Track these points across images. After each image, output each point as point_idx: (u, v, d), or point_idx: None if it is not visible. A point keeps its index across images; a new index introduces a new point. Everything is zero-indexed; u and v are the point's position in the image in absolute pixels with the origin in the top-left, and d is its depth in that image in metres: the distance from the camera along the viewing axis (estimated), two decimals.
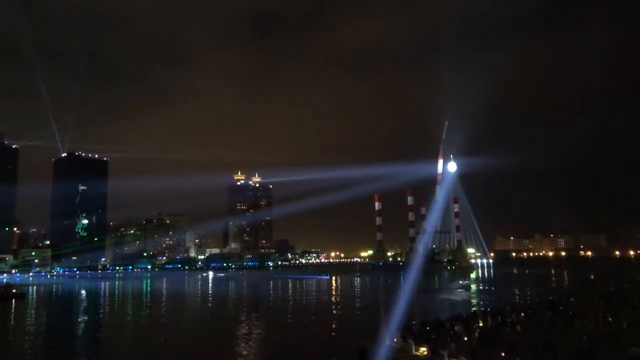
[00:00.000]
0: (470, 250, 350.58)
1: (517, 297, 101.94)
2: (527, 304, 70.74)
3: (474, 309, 76.43)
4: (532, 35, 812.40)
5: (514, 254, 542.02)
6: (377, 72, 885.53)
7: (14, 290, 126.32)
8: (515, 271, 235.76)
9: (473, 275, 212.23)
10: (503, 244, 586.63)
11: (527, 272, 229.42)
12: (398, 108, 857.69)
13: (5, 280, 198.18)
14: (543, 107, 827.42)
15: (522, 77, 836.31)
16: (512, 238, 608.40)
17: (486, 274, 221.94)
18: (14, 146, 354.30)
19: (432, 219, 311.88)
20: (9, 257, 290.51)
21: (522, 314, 54.42)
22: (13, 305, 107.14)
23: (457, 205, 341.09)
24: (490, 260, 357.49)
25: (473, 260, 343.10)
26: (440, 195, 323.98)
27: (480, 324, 48.02)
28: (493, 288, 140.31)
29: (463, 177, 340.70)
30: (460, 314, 53.95)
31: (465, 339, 40.63)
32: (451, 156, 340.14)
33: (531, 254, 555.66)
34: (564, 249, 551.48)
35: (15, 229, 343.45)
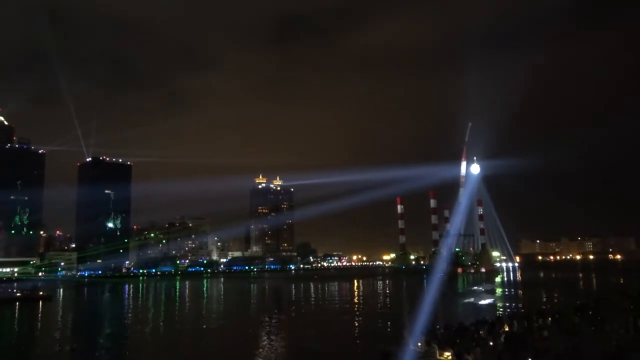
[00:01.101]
0: (495, 254, 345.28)
1: (544, 302, 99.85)
2: (555, 309, 69.08)
3: (500, 313, 75.03)
4: (565, 34, 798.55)
5: (540, 258, 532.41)
6: (400, 73, 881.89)
7: (40, 293, 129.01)
8: (541, 275, 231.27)
9: (498, 279, 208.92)
10: (529, 247, 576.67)
11: (554, 275, 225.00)
12: (421, 109, 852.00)
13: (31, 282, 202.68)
14: (573, 108, 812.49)
15: (550, 78, 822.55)
16: (538, 241, 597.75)
17: (512, 278, 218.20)
18: (40, 151, 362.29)
19: (456, 222, 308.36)
20: (35, 260, 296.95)
21: (550, 319, 53.04)
22: (40, 308, 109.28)
23: (481, 208, 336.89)
24: (516, 264, 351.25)
25: (498, 264, 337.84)
26: (464, 197, 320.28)
27: (506, 329, 46.99)
28: (519, 292, 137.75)
29: (487, 179, 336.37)
30: (485, 318, 52.91)
31: (491, 344, 39.77)
32: (475, 158, 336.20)
33: (558, 257, 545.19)
34: (592, 252, 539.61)
35: (41, 232, 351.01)
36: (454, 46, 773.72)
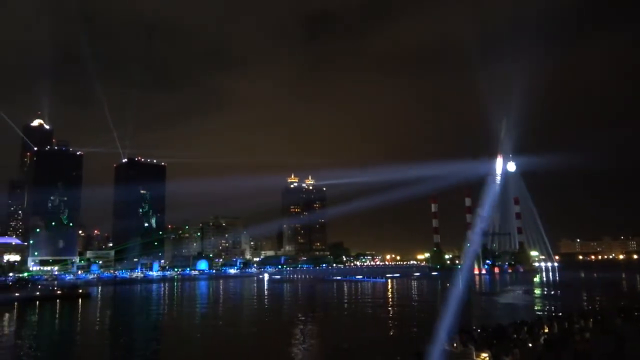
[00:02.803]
0: (534, 253, 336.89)
1: (586, 302, 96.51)
2: (597, 310, 66.48)
3: (539, 314, 72.77)
4: (599, 27, 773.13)
5: (580, 257, 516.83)
6: (432, 71, 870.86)
7: (79, 291, 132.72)
8: (582, 275, 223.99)
9: (537, 279, 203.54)
10: (568, 247, 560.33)
11: (595, 276, 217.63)
12: (455, 107, 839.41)
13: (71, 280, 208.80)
14: (614, 105, 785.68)
15: (589, 75, 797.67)
16: (578, 240, 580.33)
17: (551, 278, 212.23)
18: (78, 152, 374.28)
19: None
20: (75, 259, 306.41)
21: (592, 320, 50.74)
22: (80, 305, 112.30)
23: (518, 206, 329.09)
24: (555, 264, 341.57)
25: (537, 264, 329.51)
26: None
27: (546, 330, 45.20)
28: (559, 292, 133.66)
29: (525, 177, 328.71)
30: (524, 319, 51.17)
31: (530, 345, 38.25)
32: (510, 155, 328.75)
33: (599, 257, 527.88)
34: (636, 252, 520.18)
35: (80, 231, 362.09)
36: (487, 43, 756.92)
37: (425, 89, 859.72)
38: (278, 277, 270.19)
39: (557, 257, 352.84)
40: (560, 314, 68.01)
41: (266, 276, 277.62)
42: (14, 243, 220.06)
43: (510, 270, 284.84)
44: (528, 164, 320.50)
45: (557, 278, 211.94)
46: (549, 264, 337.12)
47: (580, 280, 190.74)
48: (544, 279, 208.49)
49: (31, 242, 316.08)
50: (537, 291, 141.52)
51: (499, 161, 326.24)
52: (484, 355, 35.02)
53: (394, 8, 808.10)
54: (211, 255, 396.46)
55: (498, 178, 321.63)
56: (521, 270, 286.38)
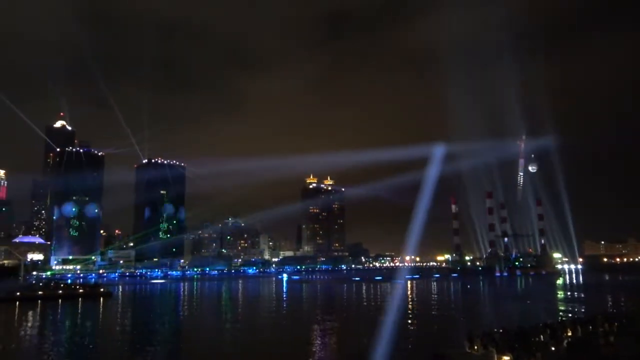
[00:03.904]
0: (556, 255, 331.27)
1: (610, 306, 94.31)
2: (622, 313, 64.79)
3: (562, 317, 71.26)
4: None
5: (605, 260, 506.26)
6: (452, 68, 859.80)
7: (101, 290, 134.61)
8: (606, 278, 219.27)
9: (560, 282, 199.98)
10: (592, 249, 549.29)
11: (620, 278, 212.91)
12: (478, 104, 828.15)
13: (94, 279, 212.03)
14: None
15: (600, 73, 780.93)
16: (602, 242, 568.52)
17: (574, 281, 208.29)
18: (100, 153, 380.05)
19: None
20: (96, 258, 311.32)
21: (616, 324, 49.50)
22: (101, 303, 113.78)
23: (540, 207, 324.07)
24: (579, 266, 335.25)
25: (559, 266, 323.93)
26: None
27: (569, 334, 44.20)
28: (582, 295, 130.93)
29: (547, 177, 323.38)
30: (546, 322, 50.10)
31: (553, 349, 37.40)
32: (532, 156, 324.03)
33: (625, 259, 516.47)
34: None
35: (101, 231, 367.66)
36: (505, 41, 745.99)
37: (447, 86, 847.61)
38: (297, 277, 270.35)
39: (580, 260, 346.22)
40: (584, 317, 66.56)
41: (285, 277, 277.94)
42: (37, 242, 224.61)
43: (532, 273, 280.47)
44: (551, 165, 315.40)
45: (581, 281, 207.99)
46: (572, 267, 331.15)
47: (604, 283, 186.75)
48: (567, 281, 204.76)
49: (54, 241, 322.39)
50: (560, 294, 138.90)
51: (521, 162, 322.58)
52: (506, 358, 34.34)
53: (414, 6, 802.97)
54: (230, 255, 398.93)
55: (520, 180, 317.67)
56: (543, 272, 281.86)
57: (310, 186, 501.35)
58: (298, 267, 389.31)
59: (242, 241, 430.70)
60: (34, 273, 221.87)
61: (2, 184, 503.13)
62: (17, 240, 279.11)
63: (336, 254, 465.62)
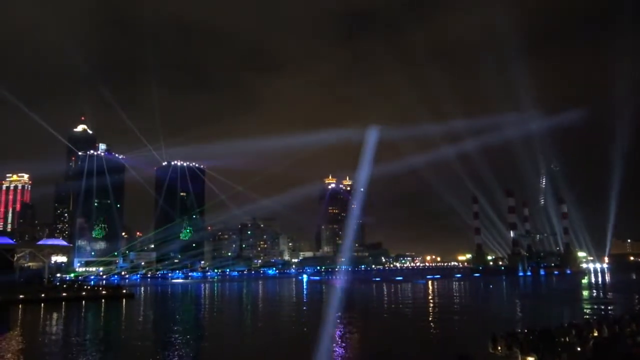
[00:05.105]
0: (581, 254, 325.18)
1: (638, 305, 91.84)
2: None
3: (588, 317, 69.55)
4: None
5: (631, 258, 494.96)
6: (471, 69, 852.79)
7: (124, 291, 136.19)
8: (633, 277, 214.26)
9: (585, 281, 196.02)
10: (619, 248, 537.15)
11: None
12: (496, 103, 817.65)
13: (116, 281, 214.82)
14: None
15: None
16: (629, 241, 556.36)
17: (600, 280, 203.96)
18: (120, 157, 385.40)
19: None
20: (118, 260, 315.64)
21: None
22: (123, 305, 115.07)
23: (565, 205, 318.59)
24: (604, 265, 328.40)
25: (584, 265, 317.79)
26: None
27: (595, 334, 42.94)
28: (609, 295, 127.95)
29: (572, 175, 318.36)
30: (572, 322, 48.82)
31: (579, 349, 36.31)
32: (555, 153, 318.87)
33: None
34: None
35: (123, 233, 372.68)
36: (527, 39, 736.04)
37: (470, 86, 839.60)
38: (317, 278, 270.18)
39: (606, 259, 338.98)
40: (610, 316, 64.93)
41: (305, 277, 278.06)
42: (60, 245, 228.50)
43: (556, 272, 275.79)
44: (575, 162, 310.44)
45: (607, 280, 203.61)
46: (598, 266, 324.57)
47: (631, 282, 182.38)
48: (593, 280, 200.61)
49: (77, 243, 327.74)
50: (586, 293, 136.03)
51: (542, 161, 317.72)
52: (530, 358, 33.45)
53: (431, 3, 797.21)
54: (250, 256, 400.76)
55: (542, 179, 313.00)
56: (568, 271, 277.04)
57: (329, 186, 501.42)
58: (318, 267, 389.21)
59: (261, 242, 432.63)
60: (58, 275, 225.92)
61: (26, 187, 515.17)
62: (41, 243, 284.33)
63: (356, 254, 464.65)
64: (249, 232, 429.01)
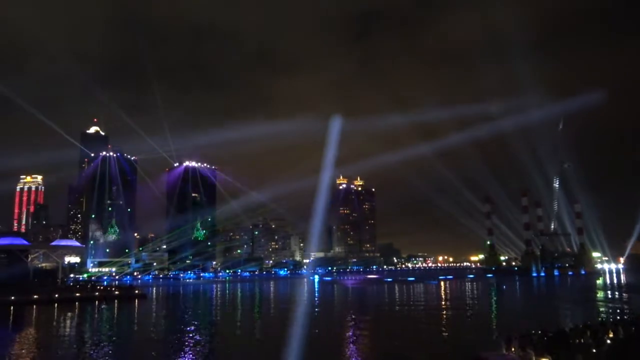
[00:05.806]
0: (596, 255, 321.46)
1: None
2: None
3: (603, 318, 68.52)
4: None
5: None
6: (481, 67, 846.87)
7: (136, 291, 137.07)
8: None
9: (600, 282, 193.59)
10: (635, 248, 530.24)
11: None
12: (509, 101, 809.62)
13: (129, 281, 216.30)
14: None
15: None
16: None
17: (615, 281, 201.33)
18: (132, 158, 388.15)
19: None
20: (130, 260, 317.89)
21: None
22: (135, 305, 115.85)
23: (579, 205, 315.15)
24: (620, 266, 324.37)
25: (599, 266, 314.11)
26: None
27: (611, 335, 42.25)
28: (625, 296, 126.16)
29: (586, 174, 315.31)
30: (587, 323, 48.08)
31: (594, 351, 35.73)
32: (568, 152, 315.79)
33: None
34: None
35: (135, 234, 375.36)
36: (538, 37, 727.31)
37: (479, 85, 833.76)
38: (329, 279, 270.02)
39: (621, 259, 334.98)
40: (626, 318, 63.98)
41: (317, 278, 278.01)
42: (74, 245, 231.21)
43: (570, 272, 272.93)
44: (589, 161, 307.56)
45: (623, 281, 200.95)
46: (613, 266, 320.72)
47: None
48: (608, 281, 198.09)
49: (90, 244, 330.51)
50: (601, 294, 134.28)
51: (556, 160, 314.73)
52: None
53: (441, 4, 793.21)
54: (261, 256, 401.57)
55: (556, 177, 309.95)
56: (582, 272, 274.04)
57: (340, 187, 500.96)
58: (329, 268, 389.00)
59: (273, 242, 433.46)
60: (71, 275, 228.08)
61: (39, 188, 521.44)
62: (55, 244, 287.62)
63: (367, 254, 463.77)
64: (260, 233, 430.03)
